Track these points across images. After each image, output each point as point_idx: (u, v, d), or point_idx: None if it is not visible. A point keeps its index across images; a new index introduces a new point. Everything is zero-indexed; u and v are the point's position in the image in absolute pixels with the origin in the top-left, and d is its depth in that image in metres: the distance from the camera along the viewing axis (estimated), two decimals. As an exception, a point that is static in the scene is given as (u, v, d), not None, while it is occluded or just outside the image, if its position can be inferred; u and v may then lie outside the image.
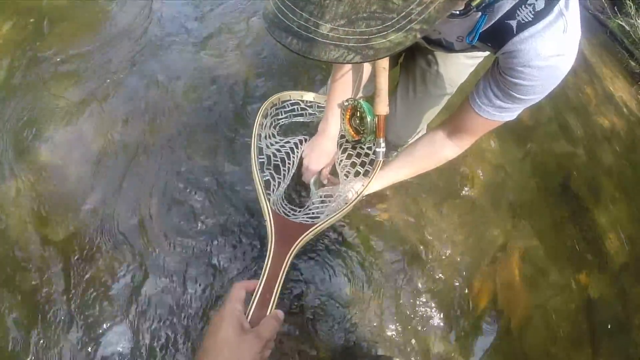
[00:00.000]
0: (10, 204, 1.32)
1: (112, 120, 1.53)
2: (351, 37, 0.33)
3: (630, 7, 3.01)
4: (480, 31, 0.62)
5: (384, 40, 0.33)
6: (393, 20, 0.33)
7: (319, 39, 0.34)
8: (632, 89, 2.59)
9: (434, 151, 0.88)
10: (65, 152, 1.44)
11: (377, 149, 0.88)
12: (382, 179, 0.92)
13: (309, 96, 1.07)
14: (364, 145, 1.02)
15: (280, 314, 0.58)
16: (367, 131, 0.89)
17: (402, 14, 0.32)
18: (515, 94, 0.65)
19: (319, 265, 1.33)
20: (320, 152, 0.99)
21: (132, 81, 1.65)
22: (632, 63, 2.75)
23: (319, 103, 1.07)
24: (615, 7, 3.08)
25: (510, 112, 0.70)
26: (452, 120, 0.84)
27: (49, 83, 1.60)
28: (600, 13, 3.13)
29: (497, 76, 0.66)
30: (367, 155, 1.02)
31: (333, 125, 0.97)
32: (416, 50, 1.08)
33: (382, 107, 0.83)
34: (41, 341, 1.13)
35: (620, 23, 2.97)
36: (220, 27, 1.92)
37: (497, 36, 0.61)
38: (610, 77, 2.56)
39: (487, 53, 0.99)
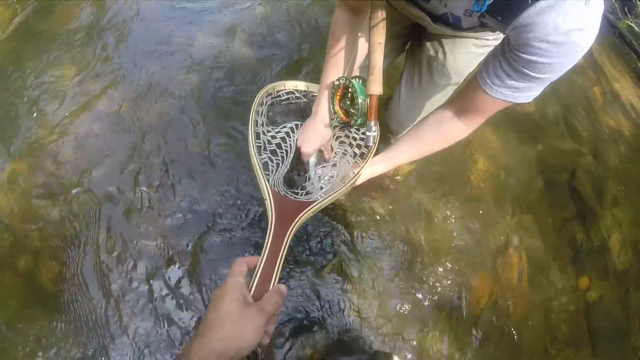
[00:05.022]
0: (6, 185, 1.29)
1: (113, 101, 1.51)
2: None
3: (641, 8, 2.96)
4: (490, 1, 0.56)
5: None
6: None
7: None
8: (639, 90, 2.55)
9: (442, 132, 0.83)
10: (62, 133, 1.41)
11: (368, 133, 0.81)
12: (387, 161, 0.88)
13: (303, 85, 1.05)
14: (353, 128, 0.98)
15: (284, 288, 0.57)
16: (358, 113, 0.83)
17: None
18: (530, 73, 0.60)
19: (317, 262, 1.30)
20: (313, 134, 0.95)
21: (134, 64, 1.63)
22: (641, 65, 2.70)
23: (313, 92, 1.06)
24: (626, 8, 3.03)
25: (525, 92, 0.65)
26: (460, 99, 0.79)
27: (50, 64, 1.57)
28: (610, 14, 3.08)
29: (509, 54, 0.61)
30: (362, 139, 0.99)
31: (325, 106, 0.92)
32: (423, 36, 1.04)
33: (376, 86, 0.76)
34: (36, 325, 1.10)
35: (630, 24, 2.92)
36: (223, 12, 1.88)
37: (509, 7, 0.56)
38: (618, 78, 2.53)
39: (497, 40, 0.96)
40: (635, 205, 1.86)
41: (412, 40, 1.12)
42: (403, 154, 0.88)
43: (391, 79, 1.24)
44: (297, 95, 1.06)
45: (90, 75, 1.56)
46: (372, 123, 0.81)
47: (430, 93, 1.11)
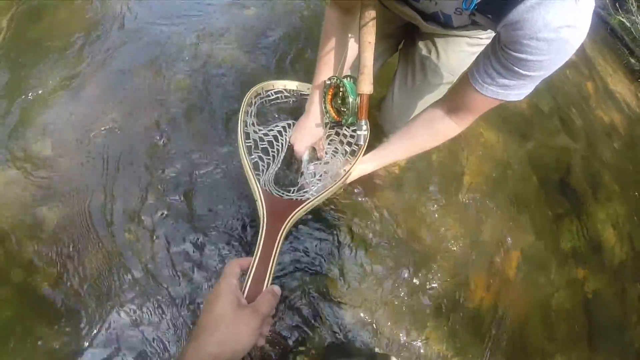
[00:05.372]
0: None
1: (104, 106, 1.49)
2: None
3: (632, 4, 2.99)
4: None
5: None
6: None
7: None
8: (631, 85, 2.58)
9: (433, 130, 0.83)
10: (56, 138, 1.39)
11: (359, 132, 0.82)
12: (378, 159, 0.88)
13: (292, 85, 1.06)
14: (345, 126, 0.99)
15: (277, 289, 0.56)
16: (349, 112, 0.84)
17: None
18: (520, 70, 0.59)
19: (315, 262, 1.30)
20: (305, 132, 0.96)
21: (126, 66, 1.61)
22: (632, 60, 2.73)
23: (302, 91, 1.06)
24: (617, 4, 3.06)
25: (516, 90, 0.65)
26: (451, 97, 0.79)
27: (40, 69, 1.56)
28: (601, 10, 3.11)
29: (500, 52, 0.61)
30: (353, 137, 0.99)
31: (317, 105, 0.92)
32: (416, 36, 1.04)
33: (366, 85, 0.77)
34: (32, 332, 1.09)
35: (622, 20, 2.95)
36: (214, 12, 1.88)
37: (499, 5, 0.55)
38: (611, 73, 2.55)
39: (490, 39, 0.96)
40: (630, 199, 1.88)
41: (405, 40, 1.11)
42: (394, 152, 0.88)
43: (385, 79, 1.24)
44: (286, 94, 1.06)
45: (83, 81, 1.55)
46: (363, 122, 0.81)
47: (424, 92, 1.11)
